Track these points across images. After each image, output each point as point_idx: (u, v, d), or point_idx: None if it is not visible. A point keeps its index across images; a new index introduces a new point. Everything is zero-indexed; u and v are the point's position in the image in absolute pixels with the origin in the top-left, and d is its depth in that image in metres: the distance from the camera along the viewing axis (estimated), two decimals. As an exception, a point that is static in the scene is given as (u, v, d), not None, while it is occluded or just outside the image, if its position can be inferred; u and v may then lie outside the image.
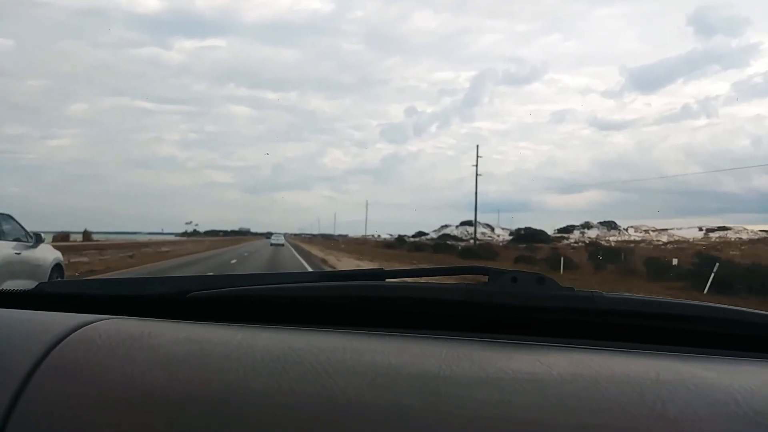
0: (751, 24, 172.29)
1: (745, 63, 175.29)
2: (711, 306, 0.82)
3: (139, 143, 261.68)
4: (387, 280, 0.90)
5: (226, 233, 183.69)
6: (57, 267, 8.76)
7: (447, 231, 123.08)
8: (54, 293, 0.89)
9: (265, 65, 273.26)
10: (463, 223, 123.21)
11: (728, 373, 0.63)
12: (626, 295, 0.86)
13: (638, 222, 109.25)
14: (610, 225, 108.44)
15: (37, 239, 8.26)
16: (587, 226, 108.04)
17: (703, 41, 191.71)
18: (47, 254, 8.64)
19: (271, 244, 53.22)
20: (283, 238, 67.08)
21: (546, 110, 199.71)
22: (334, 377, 0.57)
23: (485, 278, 0.81)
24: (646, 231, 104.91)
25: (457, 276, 0.96)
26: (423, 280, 1.00)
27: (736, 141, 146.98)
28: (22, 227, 8.15)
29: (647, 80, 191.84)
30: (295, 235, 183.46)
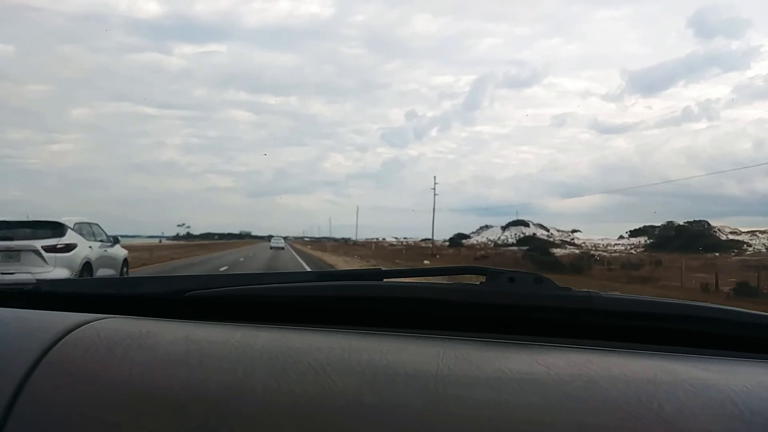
0: (752, 26, 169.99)
1: (746, 65, 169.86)
2: (708, 306, 0.82)
3: (141, 148, 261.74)
4: (385, 279, 0.89)
5: (221, 236, 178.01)
6: (125, 261, 12.03)
7: (489, 233, 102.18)
8: (52, 292, 0.88)
9: (266, 70, 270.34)
10: (513, 224, 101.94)
11: (725, 373, 0.63)
12: (623, 295, 0.85)
13: (721, 222, 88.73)
14: (703, 226, 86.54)
15: (115, 241, 11.69)
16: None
17: (703, 43, 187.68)
18: (120, 252, 11.86)
19: (271, 247, 54.41)
20: (283, 241, 67.17)
21: (547, 114, 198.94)
22: (332, 376, 0.57)
23: (483, 278, 0.81)
24: (751, 233, 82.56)
25: (454, 276, 0.95)
26: (421, 279, 0.97)
27: (738, 144, 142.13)
28: (105, 232, 11.39)
29: (648, 83, 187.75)
30: (297, 238, 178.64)
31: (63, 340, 0.63)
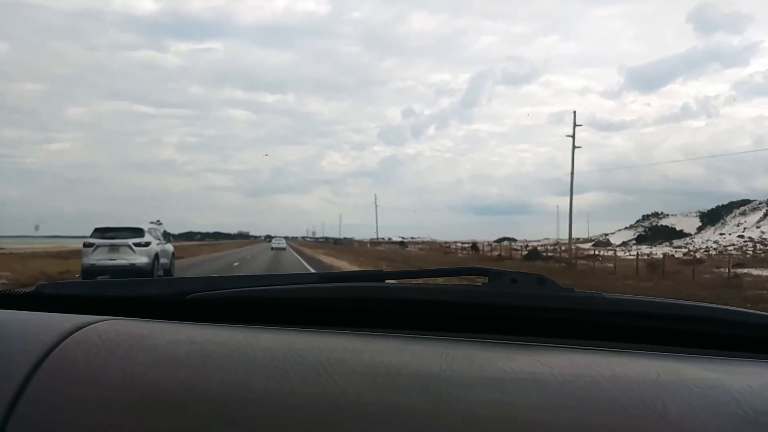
0: (753, 21, 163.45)
1: (746, 62, 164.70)
2: (711, 306, 0.82)
3: (139, 147, 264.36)
4: (387, 281, 0.89)
5: (204, 236, 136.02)
6: (173, 254, 17.68)
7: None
8: (54, 294, 0.88)
9: (263, 68, 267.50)
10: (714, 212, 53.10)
11: (729, 374, 0.62)
12: (626, 295, 0.85)
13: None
14: None
15: (168, 239, 17.48)
16: None
17: (702, 39, 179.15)
18: (170, 247, 17.49)
19: (272, 248, 54.27)
20: (284, 242, 67.15)
21: (544, 112, 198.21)
22: (334, 378, 0.57)
23: (485, 279, 0.81)
24: None
25: (456, 277, 0.94)
26: (423, 281, 0.97)
27: (737, 141, 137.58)
28: (162, 232, 16.98)
29: (647, 80, 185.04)
30: (302, 238, 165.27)
31: (65, 341, 0.63)
